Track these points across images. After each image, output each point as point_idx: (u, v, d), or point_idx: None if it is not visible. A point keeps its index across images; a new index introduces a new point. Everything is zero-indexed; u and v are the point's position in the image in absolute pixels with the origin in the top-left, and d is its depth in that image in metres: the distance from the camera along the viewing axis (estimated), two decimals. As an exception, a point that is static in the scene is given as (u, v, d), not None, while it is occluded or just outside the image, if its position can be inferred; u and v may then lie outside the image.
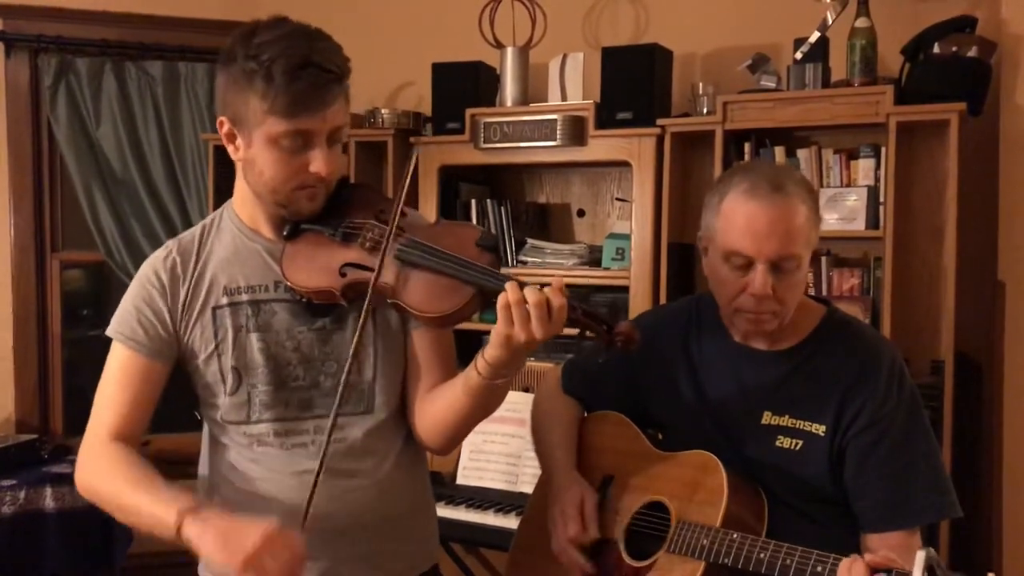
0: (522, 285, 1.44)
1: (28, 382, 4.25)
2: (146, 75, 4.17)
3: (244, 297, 1.63)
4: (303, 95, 1.47)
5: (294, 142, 1.51)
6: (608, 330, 1.49)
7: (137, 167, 4.17)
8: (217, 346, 1.62)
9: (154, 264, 1.65)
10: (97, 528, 3.76)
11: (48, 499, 3.68)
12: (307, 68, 1.47)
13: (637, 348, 1.51)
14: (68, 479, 3.70)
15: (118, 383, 1.61)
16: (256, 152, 1.54)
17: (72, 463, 3.84)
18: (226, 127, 1.57)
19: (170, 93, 4.18)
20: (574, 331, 1.50)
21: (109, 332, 1.63)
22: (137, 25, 4.17)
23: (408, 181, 1.58)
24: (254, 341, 1.61)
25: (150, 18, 4.17)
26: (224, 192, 4.07)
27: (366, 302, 1.51)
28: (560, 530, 1.73)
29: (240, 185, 1.67)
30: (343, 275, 1.56)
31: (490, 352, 1.49)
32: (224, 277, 1.64)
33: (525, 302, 1.41)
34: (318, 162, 1.53)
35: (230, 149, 1.60)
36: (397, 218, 1.54)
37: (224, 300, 1.62)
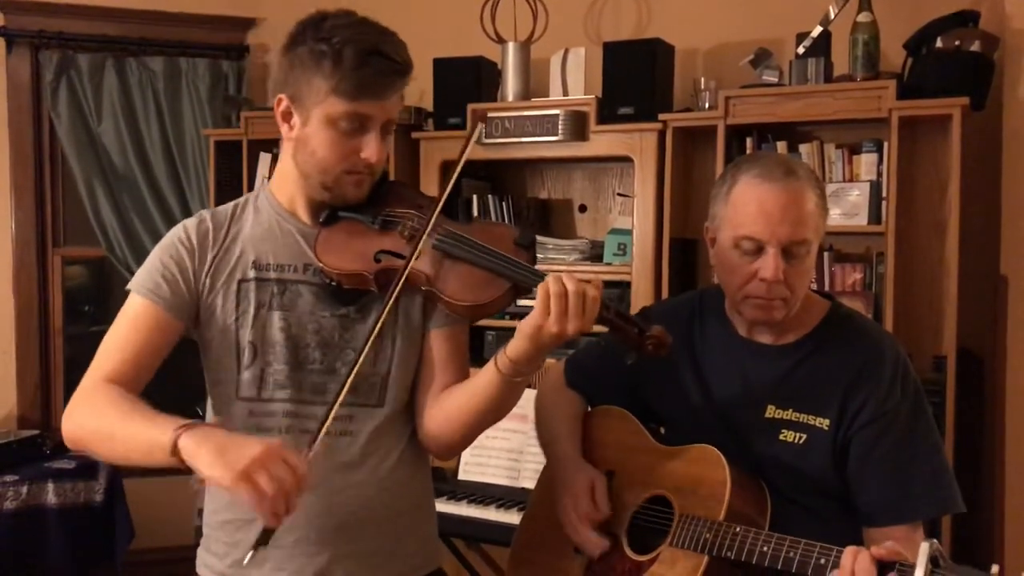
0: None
1: (30, 378, 4.26)
2: (147, 70, 4.17)
3: (272, 275, 1.63)
4: (369, 80, 1.52)
5: (351, 124, 1.54)
6: (640, 333, 1.49)
7: (138, 163, 4.18)
8: (237, 318, 1.62)
9: (186, 226, 1.66)
10: (99, 523, 3.77)
11: (50, 495, 3.69)
12: (376, 55, 1.52)
13: (668, 352, 1.51)
14: (70, 475, 3.73)
15: (128, 330, 1.59)
16: (312, 131, 1.56)
17: (74, 459, 3.86)
18: (284, 104, 1.59)
19: (171, 88, 4.18)
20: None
21: (130, 286, 1.62)
22: (138, 20, 4.17)
23: (458, 173, 1.59)
24: (276, 319, 1.61)
25: (151, 13, 4.18)
26: (226, 188, 4.09)
27: (394, 284, 1.52)
28: (572, 512, 1.73)
29: (283, 166, 1.67)
30: (377, 261, 1.58)
31: (514, 345, 1.50)
32: (254, 252, 1.64)
33: (566, 295, 1.43)
34: (370, 148, 1.56)
35: (283, 128, 1.61)
36: (440, 208, 1.56)
37: (252, 274, 1.63)
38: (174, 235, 1.66)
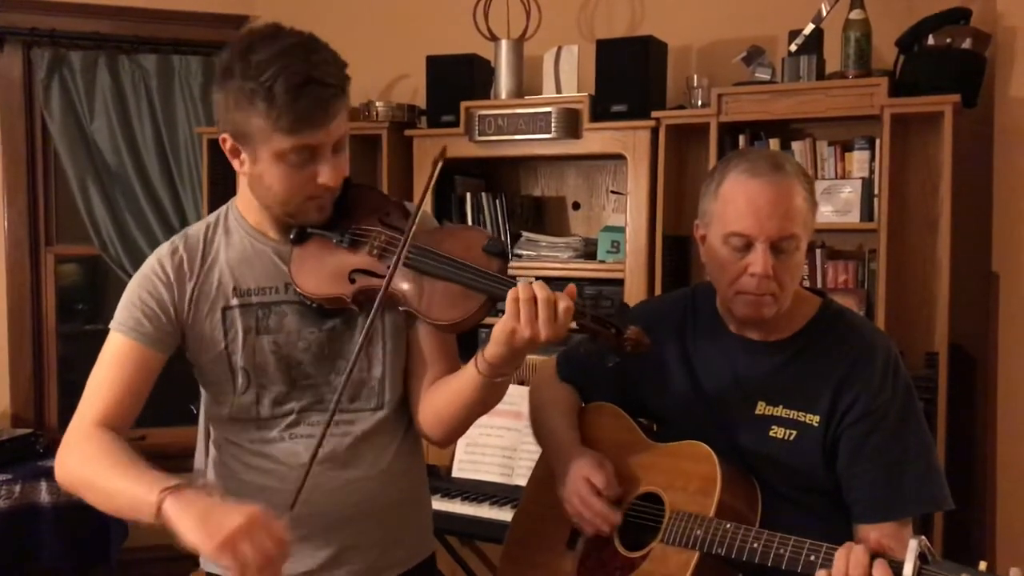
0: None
1: (23, 376, 4.24)
2: (140, 68, 4.16)
3: (255, 299, 1.64)
4: (306, 112, 1.48)
5: (300, 156, 1.52)
6: (617, 334, 1.51)
7: (131, 161, 4.16)
8: (227, 346, 1.63)
9: (160, 258, 1.65)
10: (93, 522, 3.76)
11: (43, 493, 3.68)
12: (308, 85, 1.47)
13: (648, 351, 1.53)
14: (63, 473, 3.72)
15: (112, 369, 1.60)
16: (263, 168, 1.55)
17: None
18: (229, 143, 1.57)
19: (164, 87, 4.17)
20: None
21: (111, 325, 1.62)
22: (131, 18, 4.16)
23: (428, 192, 1.60)
24: (265, 343, 1.63)
25: (144, 11, 4.16)
26: (219, 186, 4.10)
27: (374, 309, 1.52)
28: (584, 486, 1.71)
29: (245, 192, 1.66)
30: (352, 281, 1.59)
31: (491, 350, 1.51)
32: (234, 278, 1.64)
33: (535, 300, 1.43)
34: (325, 174, 1.54)
35: (235, 164, 1.60)
36: (411, 233, 1.54)
37: (235, 301, 1.63)
38: (149, 268, 1.64)
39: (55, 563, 3.72)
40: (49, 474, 3.70)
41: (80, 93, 4.13)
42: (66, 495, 3.70)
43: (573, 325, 1.49)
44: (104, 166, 4.16)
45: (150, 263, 1.65)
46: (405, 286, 1.56)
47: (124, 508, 1.47)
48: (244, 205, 1.69)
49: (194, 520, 1.35)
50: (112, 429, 1.56)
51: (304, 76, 1.47)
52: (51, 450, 3.89)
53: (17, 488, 3.64)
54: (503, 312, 1.48)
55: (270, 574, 1.33)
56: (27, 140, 4.20)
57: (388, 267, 1.53)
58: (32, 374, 4.26)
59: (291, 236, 1.64)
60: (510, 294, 1.46)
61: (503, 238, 3.46)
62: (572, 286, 1.49)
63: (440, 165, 1.59)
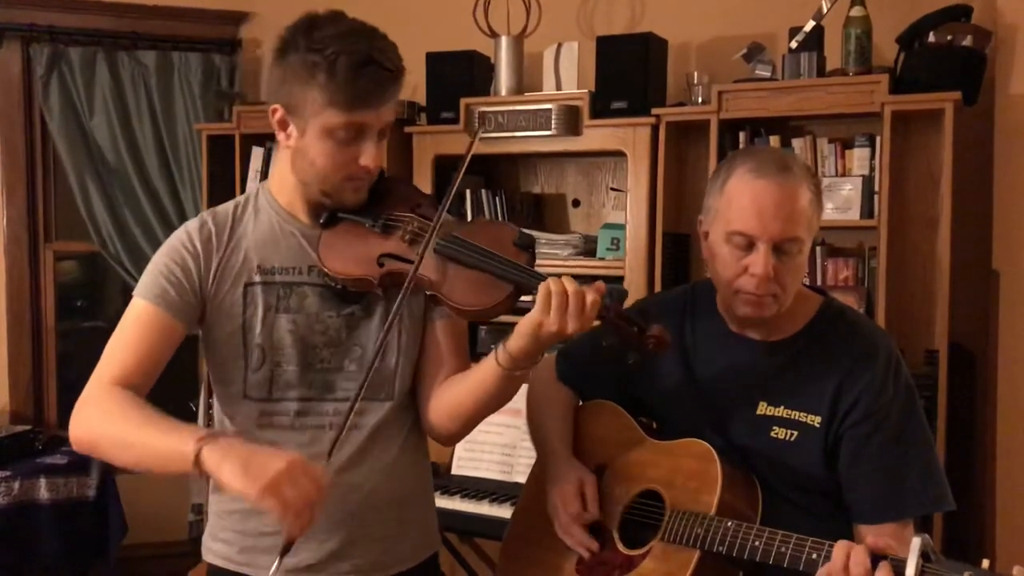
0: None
1: (22, 373, 4.25)
2: (139, 65, 4.16)
3: (278, 278, 1.65)
4: (364, 91, 1.53)
5: (348, 134, 1.55)
6: (640, 332, 1.51)
7: (130, 157, 4.16)
8: (245, 322, 1.64)
9: (189, 230, 1.67)
10: (91, 519, 3.77)
11: (42, 490, 3.68)
12: (369, 65, 1.52)
13: (668, 350, 1.53)
14: (62, 470, 3.72)
15: (133, 332, 1.60)
16: (309, 141, 1.58)
17: (66, 454, 3.84)
18: (279, 114, 1.60)
19: (163, 83, 4.17)
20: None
21: (135, 292, 1.63)
22: (130, 14, 4.16)
23: (459, 179, 1.61)
24: (283, 322, 1.64)
25: (143, 7, 4.16)
26: (218, 182, 4.08)
27: (402, 292, 1.53)
28: (562, 512, 1.74)
29: (281, 171, 1.69)
30: (381, 265, 1.60)
31: (514, 342, 1.53)
32: (259, 255, 1.66)
33: (565, 294, 1.46)
34: (368, 155, 1.58)
35: (280, 136, 1.62)
36: (443, 214, 1.57)
37: (257, 278, 1.65)
38: (177, 239, 1.66)
39: (54, 560, 3.72)
40: (48, 471, 3.70)
41: (79, 90, 4.12)
42: (65, 492, 3.70)
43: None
44: (103, 163, 4.16)
45: (177, 235, 1.67)
46: (433, 272, 1.57)
47: (155, 461, 1.47)
48: (277, 187, 1.71)
49: (237, 466, 1.37)
50: (130, 389, 1.56)
51: (366, 56, 1.52)
52: (50, 447, 3.90)
53: (16, 485, 3.64)
54: (524, 307, 1.51)
55: (310, 516, 1.37)
56: (26, 137, 4.20)
57: (418, 253, 1.55)
58: (31, 371, 4.27)
59: (321, 220, 1.66)
60: (542, 287, 1.48)
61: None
62: (601, 283, 1.51)
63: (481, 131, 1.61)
